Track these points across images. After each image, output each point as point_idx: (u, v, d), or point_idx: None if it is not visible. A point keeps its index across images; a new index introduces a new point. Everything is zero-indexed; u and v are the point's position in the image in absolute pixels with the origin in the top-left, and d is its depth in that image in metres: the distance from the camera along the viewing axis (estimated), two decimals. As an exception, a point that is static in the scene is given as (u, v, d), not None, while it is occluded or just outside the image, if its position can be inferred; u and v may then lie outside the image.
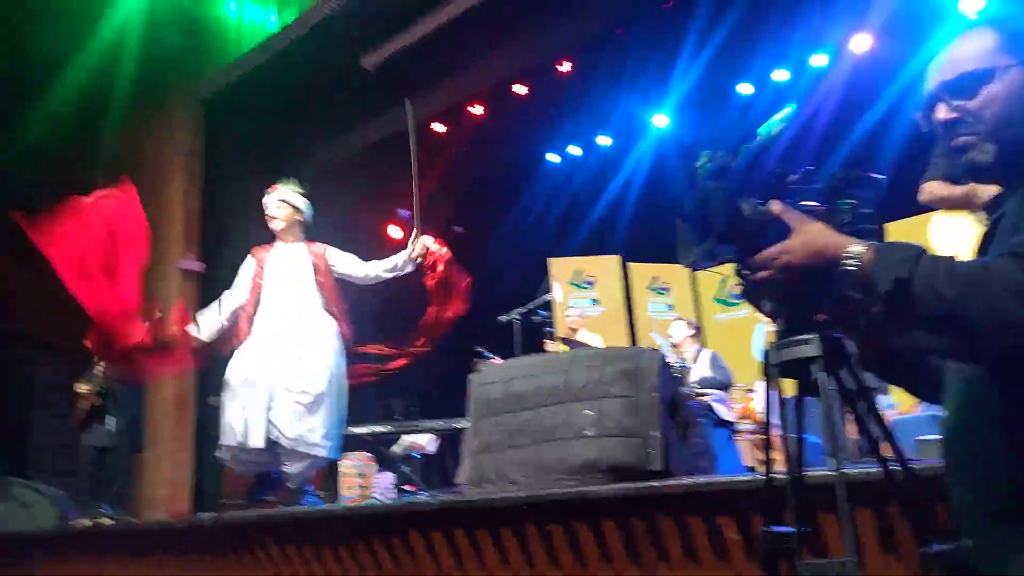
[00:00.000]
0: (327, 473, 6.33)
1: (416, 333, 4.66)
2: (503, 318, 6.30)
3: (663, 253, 8.61)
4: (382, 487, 6.41)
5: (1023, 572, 1.00)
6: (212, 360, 4.52)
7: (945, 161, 2.64)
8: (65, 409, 7.09)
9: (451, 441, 6.32)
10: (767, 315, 1.34)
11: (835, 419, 1.46)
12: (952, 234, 2.83)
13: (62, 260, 4.19)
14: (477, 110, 9.21)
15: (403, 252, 4.64)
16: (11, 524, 5.08)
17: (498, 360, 5.91)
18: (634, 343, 8.68)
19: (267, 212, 4.59)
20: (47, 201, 9.95)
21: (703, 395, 5.35)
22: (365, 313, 5.23)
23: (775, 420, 1.42)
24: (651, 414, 2.87)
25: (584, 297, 9.24)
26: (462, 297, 4.59)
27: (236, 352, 4.34)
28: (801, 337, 1.27)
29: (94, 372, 5.82)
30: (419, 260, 4.54)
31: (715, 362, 5.55)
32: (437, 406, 8.89)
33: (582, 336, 6.62)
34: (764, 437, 1.45)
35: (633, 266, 9.35)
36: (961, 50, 1.19)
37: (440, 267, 4.53)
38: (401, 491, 6.02)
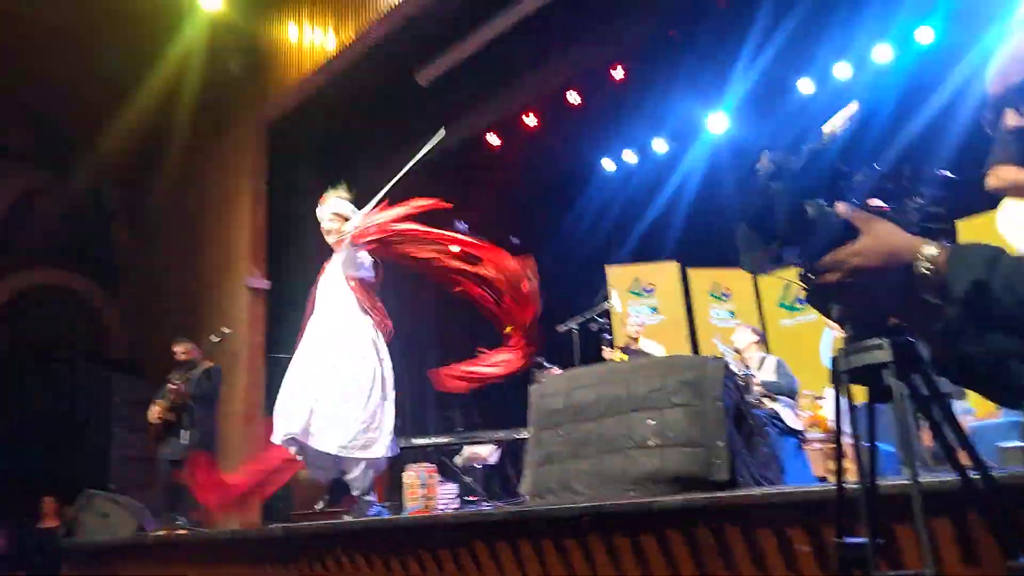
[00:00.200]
0: (390, 483, 6.40)
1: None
2: (561, 328, 6.29)
3: (723, 258, 8.47)
4: (445, 498, 6.47)
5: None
6: (279, 372, 4.63)
7: (1017, 146, 2.51)
8: (142, 424, 7.38)
9: (512, 452, 6.33)
10: (834, 320, 1.31)
11: (909, 426, 1.41)
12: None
13: None
14: (531, 120, 9.25)
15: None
16: (92, 533, 5.30)
17: (557, 370, 5.90)
18: (695, 351, 8.56)
19: (322, 226, 4.64)
20: (117, 220, 10.44)
21: (769, 403, 5.23)
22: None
23: (846, 428, 1.38)
24: (716, 423, 2.82)
25: (643, 305, 9.15)
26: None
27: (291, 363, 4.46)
28: (871, 342, 1.23)
29: (168, 389, 6.04)
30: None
31: (780, 369, 5.42)
32: (498, 417, 8.94)
33: (642, 345, 6.55)
34: (835, 446, 1.41)
35: (693, 272, 9.22)
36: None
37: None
38: (464, 501, 6.06)
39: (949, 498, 1.67)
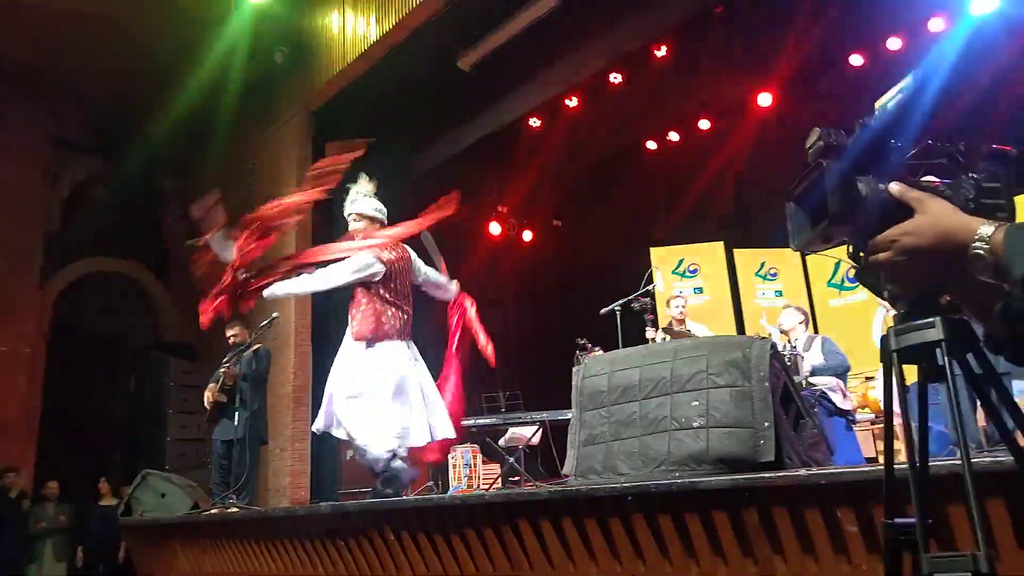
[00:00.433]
0: (436, 463, 6.46)
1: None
2: (604, 310, 6.27)
3: (770, 237, 8.33)
4: (489, 478, 6.54)
5: None
6: (325, 355, 4.72)
7: None
8: (195, 406, 7.60)
9: (555, 433, 6.35)
10: (886, 299, 1.28)
11: (962, 406, 1.37)
12: None
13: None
14: (572, 102, 9.18)
15: (449, 290, 4.87)
16: (150, 512, 5.49)
17: (600, 352, 5.89)
18: (741, 332, 8.45)
19: (349, 227, 4.69)
20: (169, 207, 10.68)
21: (817, 384, 5.14)
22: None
23: (896, 408, 1.35)
24: (762, 404, 2.79)
25: (688, 286, 9.05)
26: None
27: None
28: (924, 320, 1.20)
29: (221, 372, 6.19)
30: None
31: (828, 348, 5.32)
32: (541, 398, 8.97)
33: (687, 326, 6.49)
34: (885, 426, 1.38)
35: (739, 252, 9.08)
36: None
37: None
38: (507, 482, 6.11)
39: (1003, 479, 1.64)
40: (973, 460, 1.21)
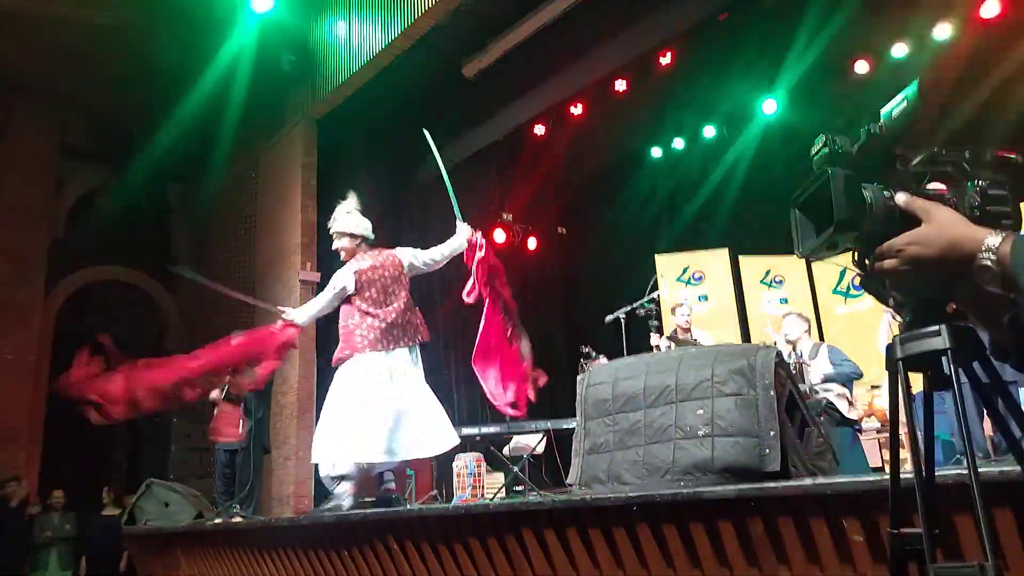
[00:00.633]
0: (440, 472, 6.45)
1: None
2: (609, 318, 6.26)
3: (775, 244, 8.31)
4: (493, 487, 6.52)
5: None
6: (331, 368, 4.69)
7: None
8: (199, 415, 7.60)
9: (560, 442, 6.33)
10: (891, 306, 1.27)
11: (969, 415, 1.36)
12: None
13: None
14: (577, 109, 9.19)
15: (458, 236, 4.70)
16: (154, 521, 5.48)
17: (604, 360, 5.87)
18: (746, 340, 8.43)
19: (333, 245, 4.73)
20: (174, 216, 10.70)
21: (823, 393, 5.12)
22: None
23: (902, 417, 1.34)
24: (767, 413, 2.78)
25: (693, 293, 9.04)
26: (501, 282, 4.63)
27: None
28: (930, 329, 1.19)
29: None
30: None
31: (834, 357, 5.29)
32: (545, 407, 8.94)
33: (692, 334, 6.48)
34: (891, 435, 1.37)
35: (744, 259, 9.07)
36: None
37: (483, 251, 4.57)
38: (511, 491, 6.09)
39: (1011, 489, 1.62)
40: (980, 469, 1.20)
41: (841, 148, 1.22)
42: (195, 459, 8.39)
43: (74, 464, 9.24)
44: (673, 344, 6.06)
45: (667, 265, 9.12)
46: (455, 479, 6.66)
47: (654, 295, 6.43)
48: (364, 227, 4.73)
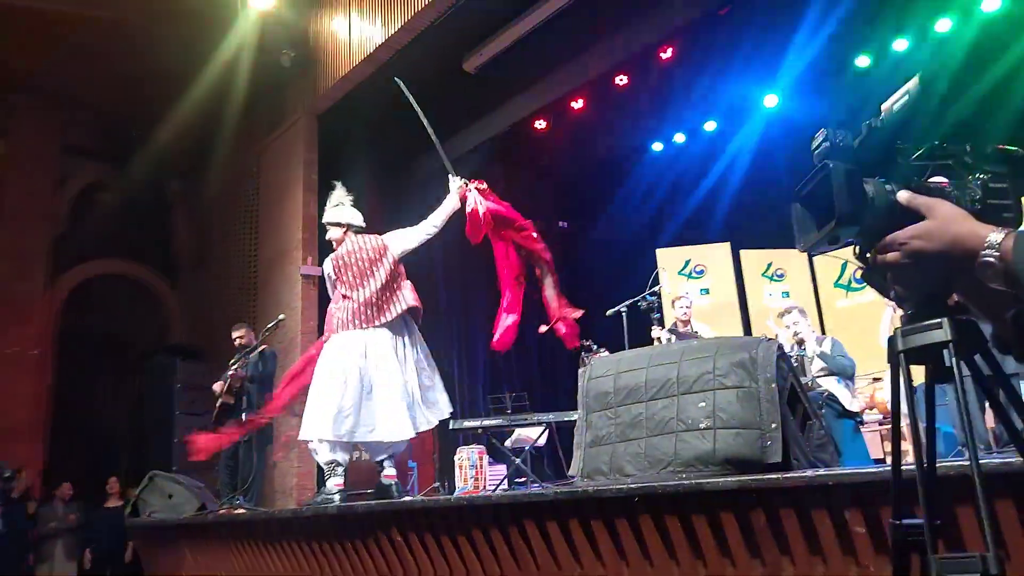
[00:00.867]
0: (442, 464, 6.45)
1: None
2: (610, 312, 6.28)
3: (777, 238, 8.32)
4: (495, 478, 6.54)
5: None
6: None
7: None
8: (203, 408, 7.62)
9: (561, 434, 6.35)
10: (893, 300, 1.28)
11: (970, 407, 1.37)
12: None
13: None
14: (578, 104, 9.18)
15: (451, 194, 4.85)
16: (157, 513, 5.51)
17: (606, 353, 5.89)
18: (748, 333, 8.45)
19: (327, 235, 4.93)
20: (176, 211, 10.72)
21: (825, 385, 5.13)
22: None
23: (904, 410, 1.35)
24: (769, 405, 2.79)
25: (694, 287, 9.05)
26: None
27: None
28: (931, 321, 1.20)
29: (228, 374, 6.21)
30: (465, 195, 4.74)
31: (836, 350, 5.31)
32: (546, 399, 8.97)
33: (693, 327, 6.49)
34: (892, 427, 1.38)
35: (746, 253, 9.07)
36: None
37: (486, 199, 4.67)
38: (513, 483, 6.12)
39: (1012, 480, 1.63)
40: (982, 461, 1.21)
41: (842, 142, 1.23)
42: (198, 452, 8.42)
43: (78, 458, 9.28)
44: (674, 337, 6.08)
45: (668, 259, 9.13)
46: (457, 471, 6.68)
47: (655, 289, 6.44)
48: (348, 216, 4.89)
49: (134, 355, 10.63)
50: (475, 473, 6.57)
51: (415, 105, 5.05)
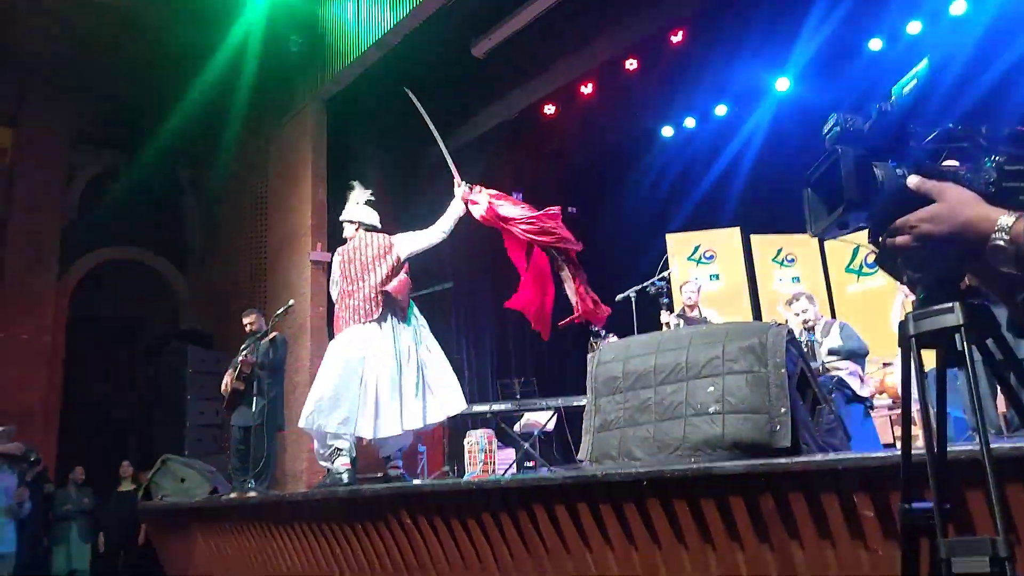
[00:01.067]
0: (451, 449, 6.49)
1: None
2: (619, 297, 6.27)
3: (787, 223, 8.27)
4: (504, 463, 6.57)
5: None
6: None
7: None
8: (213, 393, 7.68)
9: (570, 419, 6.37)
10: (905, 284, 1.27)
11: (981, 392, 1.37)
12: None
13: None
14: (587, 89, 9.13)
15: (455, 200, 4.90)
16: (169, 496, 5.57)
17: (615, 338, 5.88)
18: (758, 318, 8.43)
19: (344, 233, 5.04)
20: (186, 198, 10.74)
21: (835, 370, 5.12)
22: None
23: (914, 394, 1.34)
24: (778, 390, 2.78)
25: (704, 272, 9.02)
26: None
27: None
28: (943, 306, 1.19)
29: (239, 360, 6.24)
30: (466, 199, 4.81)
31: (846, 334, 5.28)
32: (555, 385, 8.98)
33: (700, 312, 6.48)
34: (903, 411, 1.37)
35: (756, 238, 9.03)
36: None
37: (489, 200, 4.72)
38: (523, 467, 6.14)
39: (1023, 464, 1.63)
40: (992, 445, 1.20)
41: (852, 127, 1.21)
42: (209, 436, 8.49)
43: (90, 443, 9.37)
44: (682, 322, 6.07)
45: (678, 244, 9.10)
46: (466, 456, 6.72)
47: (665, 274, 6.43)
48: (361, 214, 4.98)
49: (146, 342, 10.70)
50: (484, 457, 6.60)
51: (424, 115, 5.11)
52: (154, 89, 9.22)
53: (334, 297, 4.99)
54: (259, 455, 5.82)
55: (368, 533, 3.54)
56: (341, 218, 5.04)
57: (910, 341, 1.24)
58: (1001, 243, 1.03)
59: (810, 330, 5.41)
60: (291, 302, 6.46)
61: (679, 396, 2.99)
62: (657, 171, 9.98)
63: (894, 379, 6.19)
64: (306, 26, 8.66)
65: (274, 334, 6.33)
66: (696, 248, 9.23)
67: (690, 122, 9.83)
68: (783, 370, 2.80)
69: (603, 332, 6.16)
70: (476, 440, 6.71)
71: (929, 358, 1.26)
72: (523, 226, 4.67)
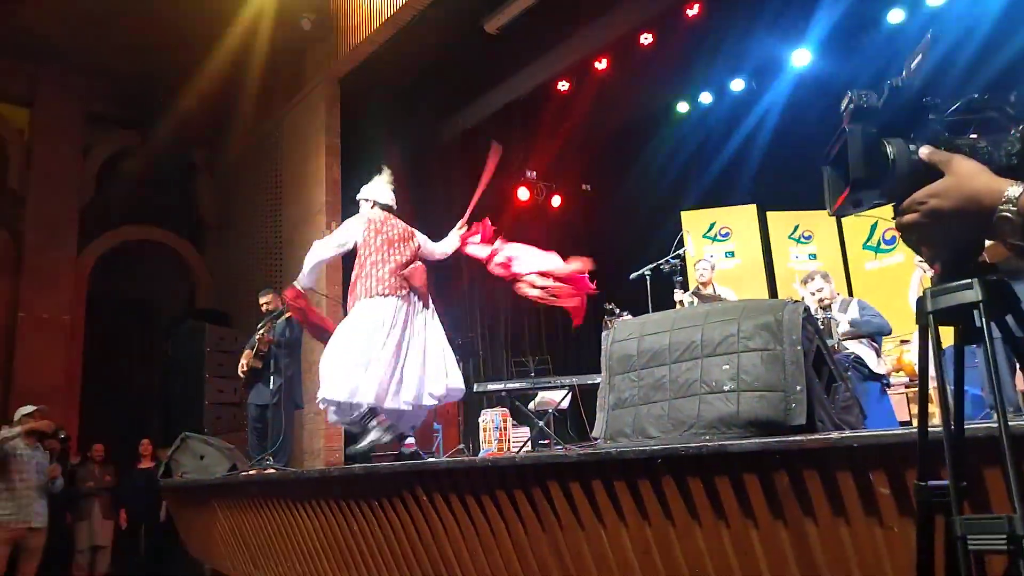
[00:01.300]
0: (466, 427, 6.50)
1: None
2: (634, 275, 6.25)
3: (804, 200, 8.19)
4: (519, 441, 6.60)
5: None
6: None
7: None
8: (231, 371, 7.75)
9: (584, 397, 6.38)
10: (926, 259, 1.26)
11: (1000, 368, 1.35)
12: None
13: None
14: (602, 64, 9.03)
15: (453, 234, 5.18)
16: (189, 473, 5.65)
17: (629, 316, 5.87)
18: (774, 295, 8.38)
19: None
20: (201, 178, 10.77)
21: (852, 348, 5.08)
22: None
23: (931, 371, 1.33)
24: (794, 368, 2.77)
25: (720, 250, 8.97)
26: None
27: None
28: (961, 282, 1.17)
29: (256, 338, 6.29)
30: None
31: (864, 311, 5.24)
32: (569, 363, 8.99)
33: (714, 289, 6.44)
34: (920, 389, 1.36)
35: (772, 215, 8.96)
36: None
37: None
38: (537, 445, 6.17)
39: (1042, 443, 1.61)
40: (1010, 423, 1.19)
41: (867, 104, 1.20)
42: (228, 414, 8.59)
43: (110, 421, 9.50)
44: (696, 300, 6.04)
45: (693, 221, 9.04)
46: (481, 434, 6.76)
47: (680, 252, 6.39)
48: (380, 193, 5.13)
49: (163, 320, 10.81)
50: (499, 435, 6.64)
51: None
52: (167, 68, 9.23)
53: (325, 257, 5.14)
54: (276, 433, 5.88)
55: (384, 510, 3.58)
56: (367, 196, 5.12)
57: (928, 317, 1.23)
58: (1008, 214, 1.02)
59: (826, 308, 5.37)
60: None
61: (694, 374, 2.98)
62: (672, 147, 9.89)
63: (911, 356, 6.14)
64: (317, 4, 8.61)
65: (291, 313, 6.36)
66: (712, 225, 9.17)
67: (706, 97, 9.71)
68: (799, 348, 2.78)
69: (617, 310, 6.15)
70: (491, 418, 6.75)
71: (947, 336, 1.25)
72: (535, 290, 4.82)
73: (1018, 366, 3.26)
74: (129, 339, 10.99)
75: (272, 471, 5.15)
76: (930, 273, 1.27)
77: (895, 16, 7.74)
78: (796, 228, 8.87)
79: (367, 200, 5.12)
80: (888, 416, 4.98)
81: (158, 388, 10.26)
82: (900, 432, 2.09)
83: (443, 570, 3.35)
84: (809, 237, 8.84)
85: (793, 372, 2.75)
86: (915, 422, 1.69)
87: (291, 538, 4.33)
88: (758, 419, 2.73)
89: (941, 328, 1.23)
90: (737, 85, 9.34)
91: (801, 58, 8.50)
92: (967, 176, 1.08)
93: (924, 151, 1.13)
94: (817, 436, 2.28)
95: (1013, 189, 1.02)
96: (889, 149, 1.15)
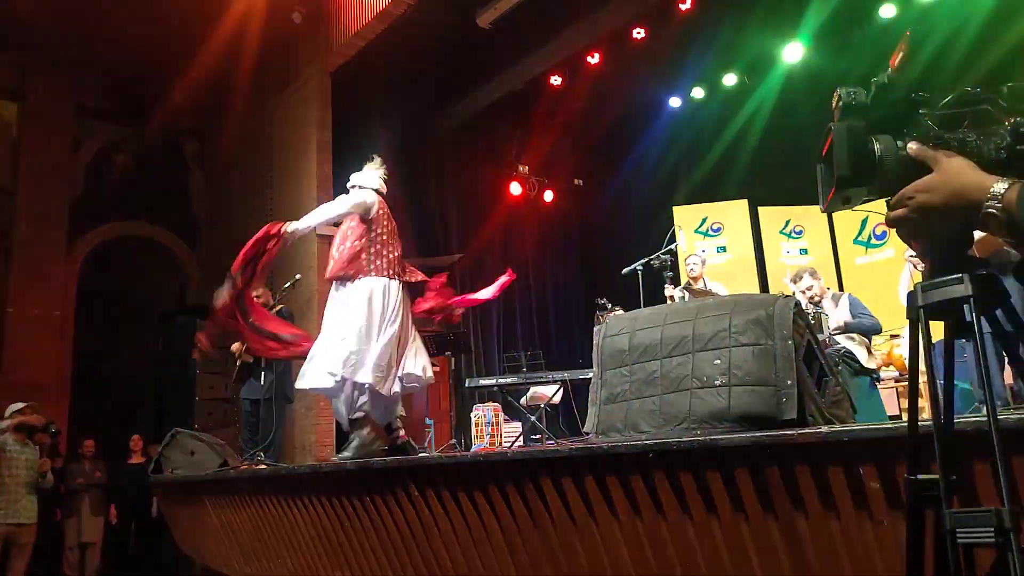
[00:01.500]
0: (459, 422, 6.51)
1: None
2: (626, 270, 6.25)
3: (795, 195, 8.21)
4: (511, 436, 6.60)
5: None
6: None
7: None
8: (223, 367, 7.72)
9: (576, 392, 6.38)
10: (918, 253, 1.26)
11: (989, 363, 1.35)
12: None
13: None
14: (594, 59, 9.02)
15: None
16: (180, 469, 5.63)
17: (621, 311, 5.88)
18: (765, 290, 8.40)
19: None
20: (192, 172, 10.72)
21: (842, 342, 5.10)
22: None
23: (921, 366, 1.33)
24: (785, 362, 2.78)
25: (711, 245, 8.98)
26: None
27: None
28: (952, 276, 1.18)
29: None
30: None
31: (854, 306, 5.26)
32: (562, 358, 9.00)
33: (704, 284, 6.46)
34: (909, 383, 1.37)
35: (764, 210, 8.97)
36: None
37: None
38: (529, 440, 6.18)
39: (1031, 436, 1.62)
40: (999, 416, 1.19)
41: (855, 101, 1.20)
42: (219, 410, 8.56)
43: (100, 416, 9.46)
44: (687, 295, 6.05)
45: (685, 216, 9.05)
46: (473, 428, 6.76)
47: (672, 247, 6.40)
48: (370, 179, 5.01)
49: (154, 315, 10.76)
50: (491, 430, 6.65)
51: None
52: (158, 61, 9.18)
53: (336, 215, 4.94)
54: (268, 428, 5.87)
55: (376, 505, 3.57)
56: (360, 183, 5.02)
57: (918, 312, 1.23)
58: (994, 211, 1.02)
59: (817, 304, 5.38)
60: (298, 276, 6.47)
61: (685, 368, 2.99)
62: (665, 142, 9.89)
63: (901, 351, 6.18)
64: (308, -3, 8.57)
65: (281, 307, 6.35)
66: (703, 220, 9.19)
67: (698, 92, 9.71)
68: (790, 342, 2.79)
69: (609, 305, 6.16)
70: (483, 413, 6.75)
71: (937, 331, 1.25)
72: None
73: (1007, 359, 3.28)
74: (119, 335, 10.93)
75: (264, 467, 5.13)
76: (920, 268, 1.27)
77: (887, 11, 7.75)
78: (787, 223, 8.89)
79: (361, 188, 4.97)
80: (878, 410, 5.01)
81: (149, 384, 10.22)
82: (890, 426, 2.10)
83: (435, 565, 3.35)
84: (800, 232, 8.86)
85: (784, 367, 2.76)
86: (905, 416, 1.70)
87: (282, 534, 4.33)
88: (749, 413, 2.74)
89: (931, 323, 1.23)
90: (729, 80, 9.34)
91: (793, 53, 8.51)
92: (954, 172, 1.08)
93: (912, 147, 1.13)
94: (808, 430, 2.28)
95: (999, 185, 1.03)
96: (876, 146, 1.16)
